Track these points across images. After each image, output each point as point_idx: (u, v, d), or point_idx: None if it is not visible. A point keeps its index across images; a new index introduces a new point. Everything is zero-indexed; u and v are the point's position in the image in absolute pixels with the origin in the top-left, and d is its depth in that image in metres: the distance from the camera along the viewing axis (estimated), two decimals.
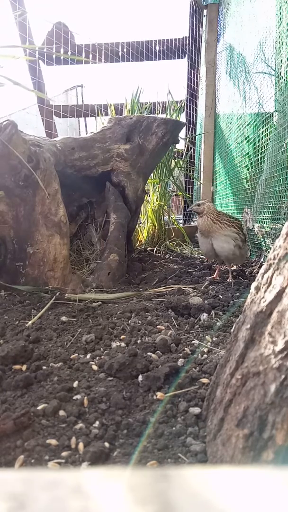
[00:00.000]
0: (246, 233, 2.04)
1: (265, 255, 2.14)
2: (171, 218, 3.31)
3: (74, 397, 0.81)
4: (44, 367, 0.94)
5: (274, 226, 1.98)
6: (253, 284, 0.65)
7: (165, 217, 3.14)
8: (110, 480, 0.25)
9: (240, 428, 0.54)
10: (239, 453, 0.53)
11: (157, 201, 3.02)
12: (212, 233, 1.86)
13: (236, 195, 2.87)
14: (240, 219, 2.16)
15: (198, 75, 4.19)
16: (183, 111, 4.01)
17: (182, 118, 3.89)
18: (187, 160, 3.79)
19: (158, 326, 1.20)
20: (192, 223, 4.08)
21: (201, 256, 2.71)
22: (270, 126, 2.07)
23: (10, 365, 0.95)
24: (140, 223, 3.01)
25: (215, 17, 3.57)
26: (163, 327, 1.19)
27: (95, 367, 0.94)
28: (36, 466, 0.63)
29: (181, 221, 4.12)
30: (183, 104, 3.74)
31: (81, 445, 0.67)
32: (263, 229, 2.14)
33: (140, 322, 1.25)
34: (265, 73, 2.12)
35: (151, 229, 3.05)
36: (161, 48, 4.09)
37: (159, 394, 0.82)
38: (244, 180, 2.61)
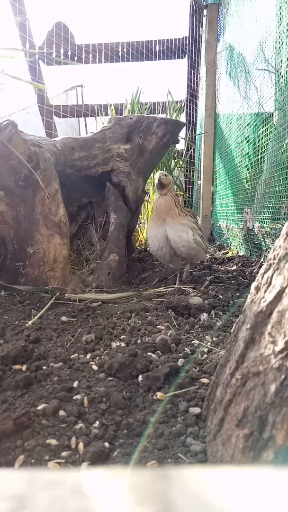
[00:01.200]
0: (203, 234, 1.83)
1: (265, 255, 2.14)
2: None
3: (74, 397, 0.81)
4: (44, 367, 0.94)
5: (274, 226, 1.98)
6: (253, 284, 0.65)
7: None
8: (110, 480, 0.25)
9: (240, 428, 0.54)
10: (239, 453, 0.53)
11: None
12: (170, 218, 1.63)
13: (236, 195, 2.87)
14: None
15: (198, 75, 4.19)
16: (183, 111, 4.01)
17: (182, 118, 3.89)
18: (187, 160, 3.79)
19: (158, 326, 1.20)
20: None
21: None
22: (270, 126, 2.07)
23: (10, 365, 0.95)
24: (140, 223, 3.01)
25: (215, 17, 3.57)
26: (163, 327, 1.19)
27: (95, 367, 0.94)
28: (36, 466, 0.63)
29: None
30: (183, 104, 3.74)
31: (81, 445, 0.67)
32: (263, 229, 2.14)
33: (140, 322, 1.25)
34: (266, 70, 2.12)
35: None
36: (161, 48, 4.10)
37: (159, 394, 0.82)
38: (244, 180, 2.61)
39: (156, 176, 1.69)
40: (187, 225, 1.66)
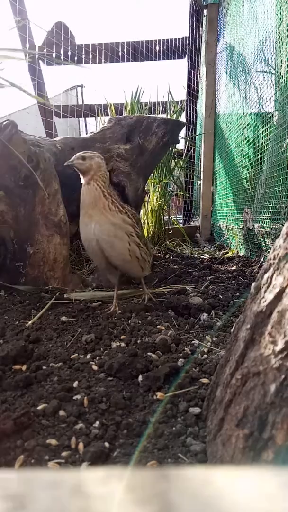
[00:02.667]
0: (146, 240, 1.45)
1: (265, 255, 2.14)
2: (171, 218, 3.31)
3: (74, 397, 0.81)
4: (44, 367, 0.94)
5: (274, 226, 1.98)
6: (253, 284, 0.65)
7: (165, 217, 3.14)
8: (110, 480, 0.25)
9: (240, 428, 0.54)
10: (239, 453, 0.53)
11: (157, 201, 3.02)
12: (96, 213, 1.24)
13: (236, 195, 2.87)
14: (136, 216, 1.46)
15: (198, 75, 4.18)
16: (183, 111, 4.01)
17: (182, 118, 3.88)
18: (187, 160, 3.79)
19: (158, 326, 1.20)
20: (192, 223, 4.09)
21: (201, 256, 2.71)
22: (270, 126, 2.07)
23: (10, 365, 0.95)
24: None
25: (215, 17, 3.57)
26: (163, 327, 1.19)
27: (95, 367, 0.94)
28: (36, 466, 0.63)
29: (181, 221, 4.12)
30: (183, 104, 3.74)
31: (81, 445, 0.67)
32: (263, 229, 2.14)
33: (140, 322, 1.25)
34: (265, 71, 2.12)
35: (151, 229, 3.05)
36: (161, 48, 4.09)
37: (159, 394, 0.82)
38: (244, 180, 2.61)
39: (76, 156, 1.32)
40: (120, 226, 1.27)
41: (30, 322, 1.25)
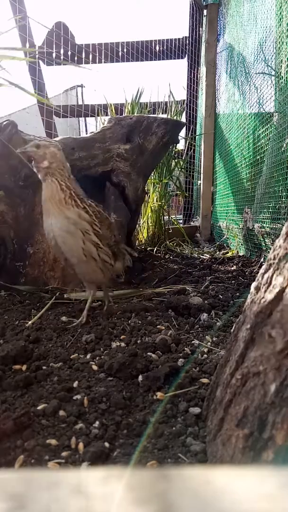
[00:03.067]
0: (118, 240, 1.33)
1: (265, 255, 2.14)
2: (171, 218, 3.31)
3: (74, 397, 0.81)
4: (44, 367, 0.94)
5: (274, 226, 1.98)
6: (253, 284, 0.65)
7: (165, 217, 3.14)
8: (110, 480, 0.25)
9: (240, 428, 0.54)
10: (239, 453, 0.53)
11: (157, 201, 3.02)
12: (53, 206, 1.17)
13: (236, 195, 2.87)
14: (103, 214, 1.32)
15: (198, 75, 4.18)
16: (183, 111, 4.01)
17: (182, 118, 3.88)
18: (187, 160, 3.79)
19: (158, 326, 1.20)
20: (192, 223, 4.09)
21: (201, 256, 2.71)
22: (270, 126, 2.07)
23: (10, 365, 0.95)
24: (140, 223, 3.01)
25: (215, 17, 3.57)
26: (163, 327, 1.19)
27: (95, 367, 0.94)
28: (36, 466, 0.63)
29: (181, 221, 4.12)
30: (183, 104, 3.74)
31: (81, 445, 0.67)
32: (263, 229, 2.14)
33: (140, 322, 1.25)
34: (265, 73, 2.12)
35: (151, 229, 3.05)
36: (161, 48, 4.09)
37: (159, 394, 0.82)
38: (244, 180, 2.61)
39: (27, 145, 1.21)
40: (74, 221, 1.16)
41: (30, 322, 1.25)
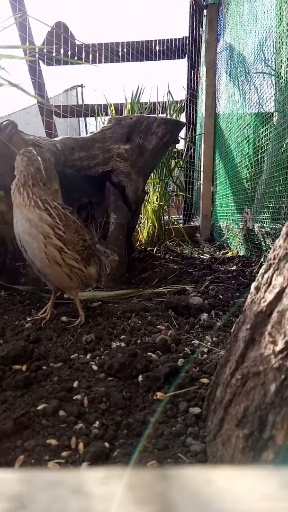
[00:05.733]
0: (89, 244, 1.25)
1: (265, 255, 2.14)
2: (171, 218, 3.31)
3: (74, 397, 0.81)
4: (44, 367, 0.94)
5: (274, 226, 1.98)
6: (253, 284, 0.65)
7: (165, 217, 3.14)
8: (110, 480, 0.25)
9: (240, 428, 0.54)
10: (239, 453, 0.53)
11: (157, 201, 3.02)
12: (17, 206, 1.13)
13: (236, 195, 2.87)
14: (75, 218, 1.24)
15: (198, 75, 4.18)
16: (183, 111, 4.01)
17: (182, 118, 3.89)
18: (187, 160, 3.79)
19: (158, 326, 1.20)
20: (192, 223, 4.09)
21: (201, 256, 2.71)
22: (270, 126, 2.07)
23: (10, 365, 0.95)
24: (140, 223, 3.01)
25: (215, 17, 3.57)
26: (163, 327, 1.19)
27: (95, 367, 0.94)
28: (36, 466, 0.63)
29: (181, 221, 4.12)
30: (183, 104, 3.74)
31: (81, 445, 0.67)
32: (263, 229, 2.14)
33: (140, 322, 1.25)
34: (265, 73, 2.12)
35: (151, 229, 3.05)
36: (161, 48, 4.09)
37: (159, 394, 0.82)
38: (244, 180, 2.61)
39: None
40: (35, 223, 1.10)
41: (30, 322, 1.25)
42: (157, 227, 3.04)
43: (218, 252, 2.91)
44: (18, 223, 1.14)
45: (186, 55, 4.17)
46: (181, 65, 4.23)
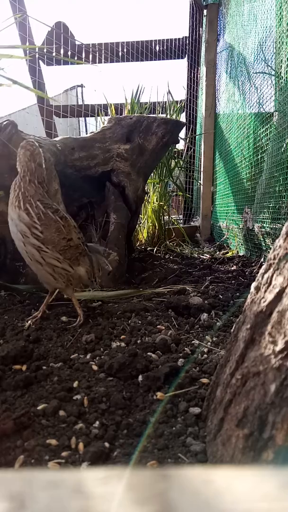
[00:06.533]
0: (75, 244, 1.23)
1: (265, 255, 2.14)
2: (171, 218, 3.31)
3: (74, 397, 0.81)
4: (44, 367, 0.94)
5: (274, 226, 1.98)
6: (253, 284, 0.65)
7: (165, 217, 3.14)
8: (110, 480, 0.25)
9: (240, 428, 0.54)
10: (239, 453, 0.53)
11: (157, 201, 3.02)
12: (10, 206, 1.17)
13: (236, 195, 2.87)
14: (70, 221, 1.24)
15: (198, 75, 4.18)
16: (183, 111, 4.01)
17: (182, 118, 3.89)
18: (187, 160, 3.79)
19: (158, 326, 1.20)
20: (192, 223, 4.09)
21: (201, 256, 2.71)
22: (270, 126, 2.07)
23: (10, 365, 0.95)
24: (140, 223, 3.01)
25: (215, 17, 3.57)
26: (163, 327, 1.19)
27: (95, 367, 0.94)
28: (36, 466, 0.63)
29: (181, 221, 4.12)
30: (183, 104, 3.74)
31: (81, 445, 0.67)
32: (263, 229, 2.14)
33: (140, 322, 1.25)
34: (265, 73, 2.12)
35: (151, 229, 3.05)
36: (161, 48, 4.09)
37: (159, 394, 0.82)
38: (244, 180, 2.62)
39: None
40: (15, 222, 1.14)
41: (29, 322, 1.25)
42: (157, 227, 3.04)
43: (218, 252, 2.91)
44: (11, 222, 1.17)
45: (186, 55, 4.17)
46: (181, 65, 4.23)
